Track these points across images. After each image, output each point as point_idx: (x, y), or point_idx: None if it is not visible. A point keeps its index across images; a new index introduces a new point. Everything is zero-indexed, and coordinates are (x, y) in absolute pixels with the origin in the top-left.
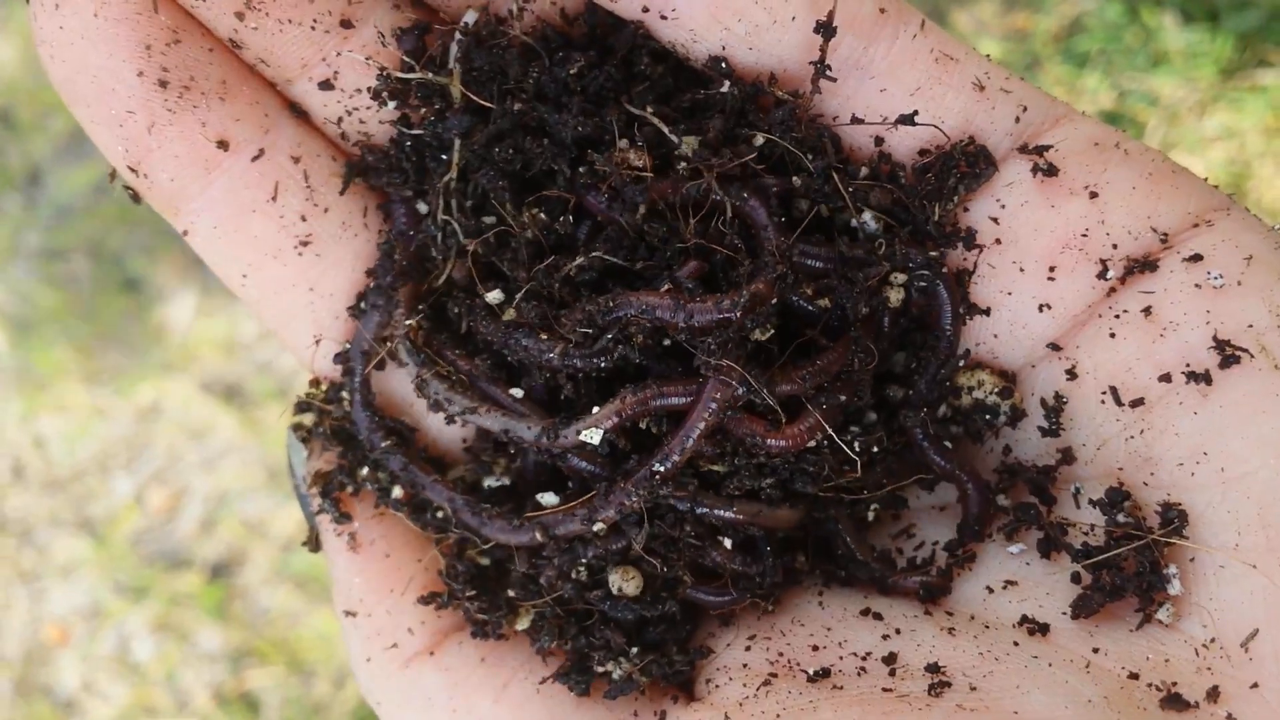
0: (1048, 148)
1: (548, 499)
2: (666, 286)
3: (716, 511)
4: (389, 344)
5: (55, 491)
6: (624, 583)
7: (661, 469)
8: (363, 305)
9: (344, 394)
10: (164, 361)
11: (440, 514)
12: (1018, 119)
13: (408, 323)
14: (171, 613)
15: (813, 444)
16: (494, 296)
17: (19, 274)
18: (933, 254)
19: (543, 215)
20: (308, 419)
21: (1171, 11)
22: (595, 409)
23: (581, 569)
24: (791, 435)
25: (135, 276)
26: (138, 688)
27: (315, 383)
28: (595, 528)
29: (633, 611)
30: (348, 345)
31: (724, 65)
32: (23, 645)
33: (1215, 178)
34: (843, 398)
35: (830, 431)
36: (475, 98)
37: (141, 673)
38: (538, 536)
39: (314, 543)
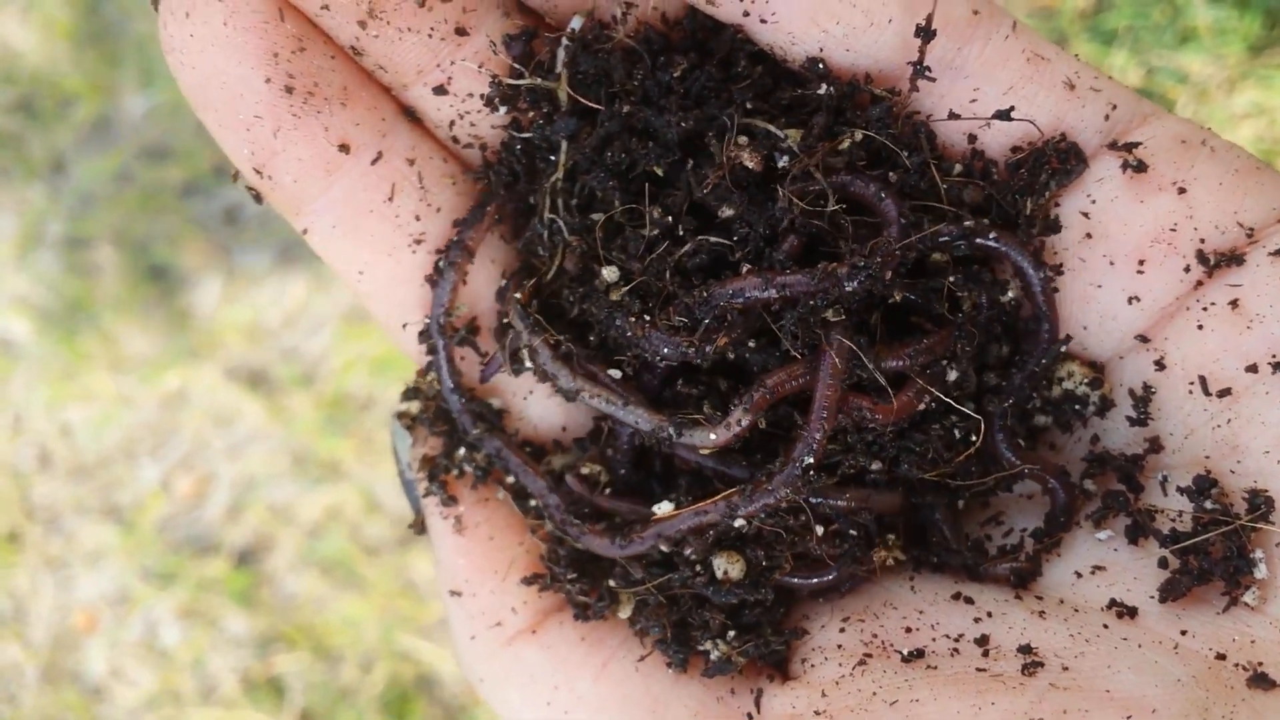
0: (1136, 144)
1: (664, 508)
2: (748, 267)
3: (830, 500)
4: (496, 310)
5: (82, 479)
6: (729, 565)
7: (810, 460)
8: (440, 265)
9: (432, 373)
10: (189, 348)
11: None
12: (1107, 117)
13: (518, 293)
14: (198, 599)
15: (921, 407)
16: (610, 273)
17: (44, 263)
18: (1034, 249)
19: (668, 218)
20: (414, 407)
21: None
22: (732, 412)
23: (691, 554)
24: (899, 405)
25: (160, 264)
26: (165, 673)
27: (422, 373)
28: (737, 523)
29: (736, 596)
30: (427, 319)
31: (821, 66)
32: (50, 632)
33: None
34: (951, 373)
35: (936, 393)
36: (582, 100)
37: (169, 658)
38: (662, 547)
39: (420, 526)
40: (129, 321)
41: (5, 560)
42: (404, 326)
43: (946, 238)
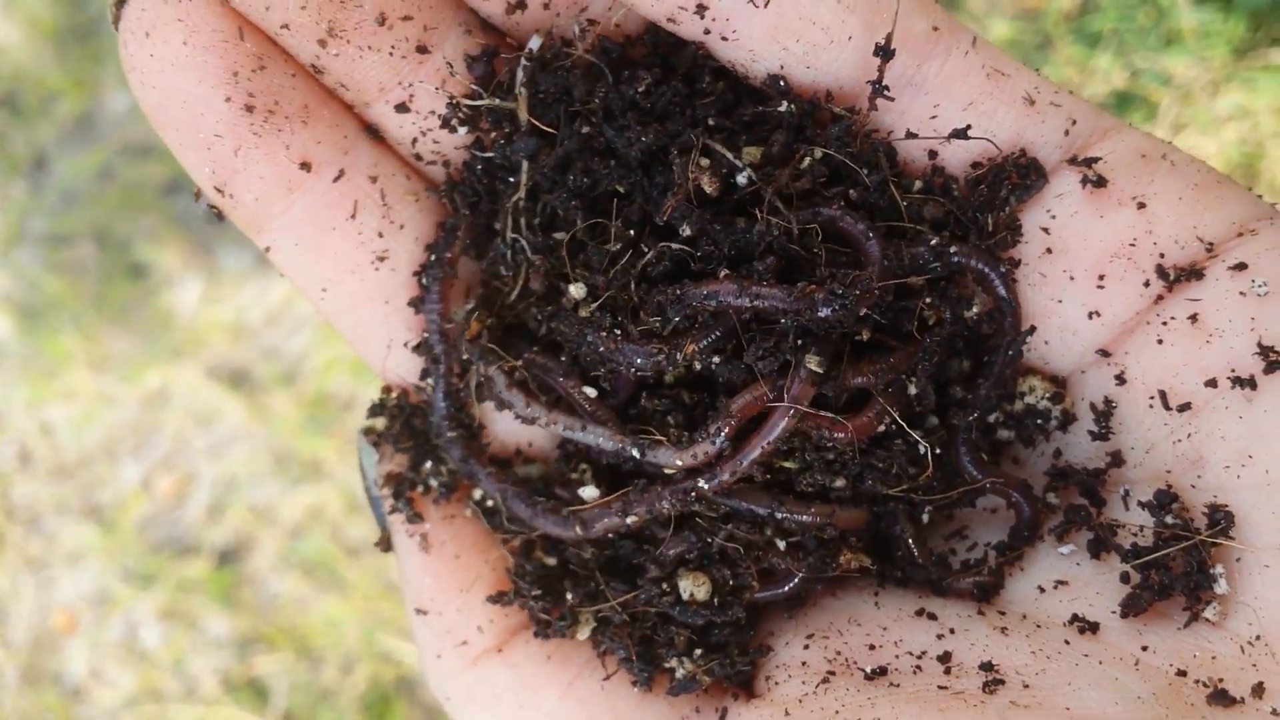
0: (1096, 160)
1: (588, 493)
2: (726, 273)
3: (795, 516)
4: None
5: (63, 478)
6: (695, 588)
7: (704, 487)
8: (424, 282)
9: (429, 379)
10: (171, 347)
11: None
12: (1067, 132)
13: (463, 312)
14: (179, 599)
15: (880, 429)
16: (576, 290)
17: (25, 260)
18: (999, 262)
19: (630, 231)
20: (379, 423)
21: None
22: (697, 441)
23: (655, 574)
24: (859, 425)
25: (141, 262)
26: (145, 674)
27: (387, 389)
28: (629, 520)
29: (702, 617)
30: (425, 335)
31: (782, 84)
32: (30, 632)
33: (1228, 158)
34: (911, 389)
35: (895, 416)
36: (539, 124)
37: (149, 659)
38: (577, 530)
39: (385, 543)
40: (110, 320)
41: None
42: (405, 345)
43: (922, 262)
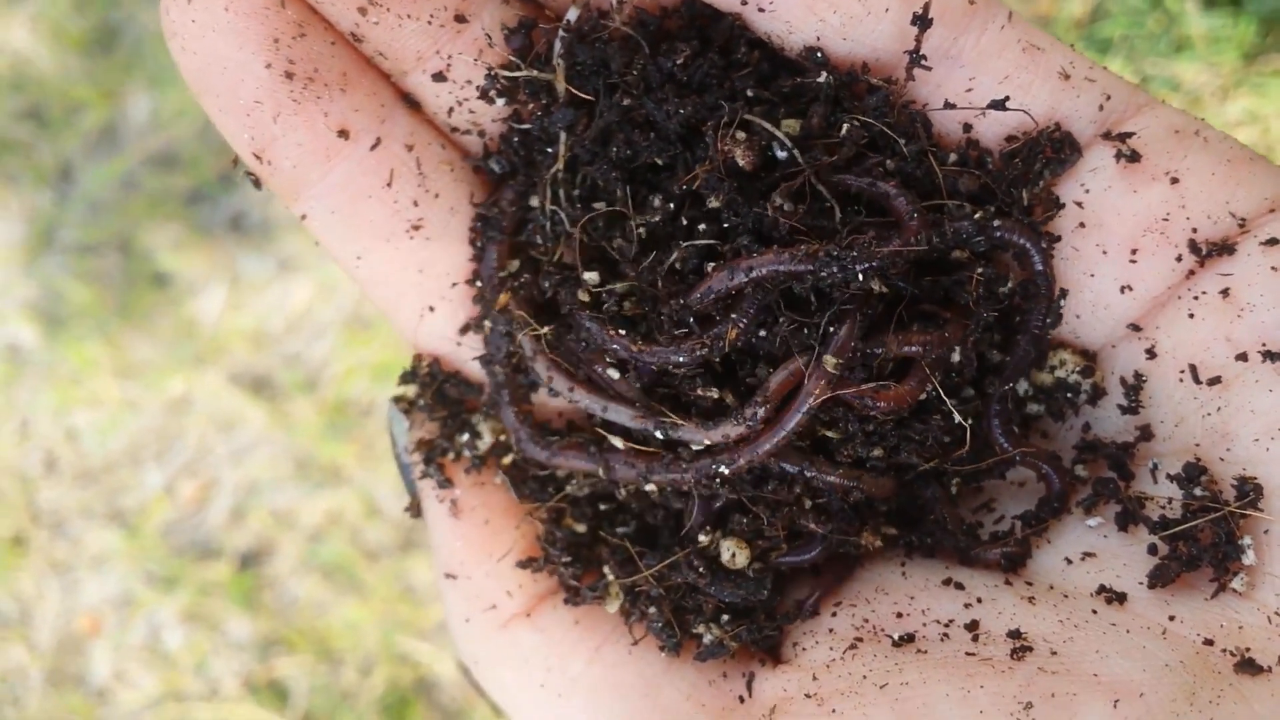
0: (1130, 134)
1: (616, 443)
2: (712, 265)
3: (824, 476)
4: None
5: (87, 484)
6: (737, 550)
7: (725, 470)
8: (478, 245)
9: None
10: (194, 354)
11: (536, 483)
12: (1101, 107)
13: (500, 295)
14: (201, 602)
15: (922, 397)
16: (590, 277)
17: (51, 269)
18: (1041, 237)
19: (670, 205)
20: (410, 390)
21: None
22: (726, 422)
23: (704, 540)
24: (900, 394)
25: (165, 270)
26: (168, 676)
27: (419, 358)
28: (646, 486)
29: (739, 586)
30: (477, 280)
31: (819, 55)
32: (55, 635)
33: None
34: (955, 357)
35: (937, 386)
36: (578, 93)
37: (172, 662)
38: (601, 472)
39: (415, 509)
40: (134, 327)
41: (11, 564)
42: (431, 309)
43: (965, 235)
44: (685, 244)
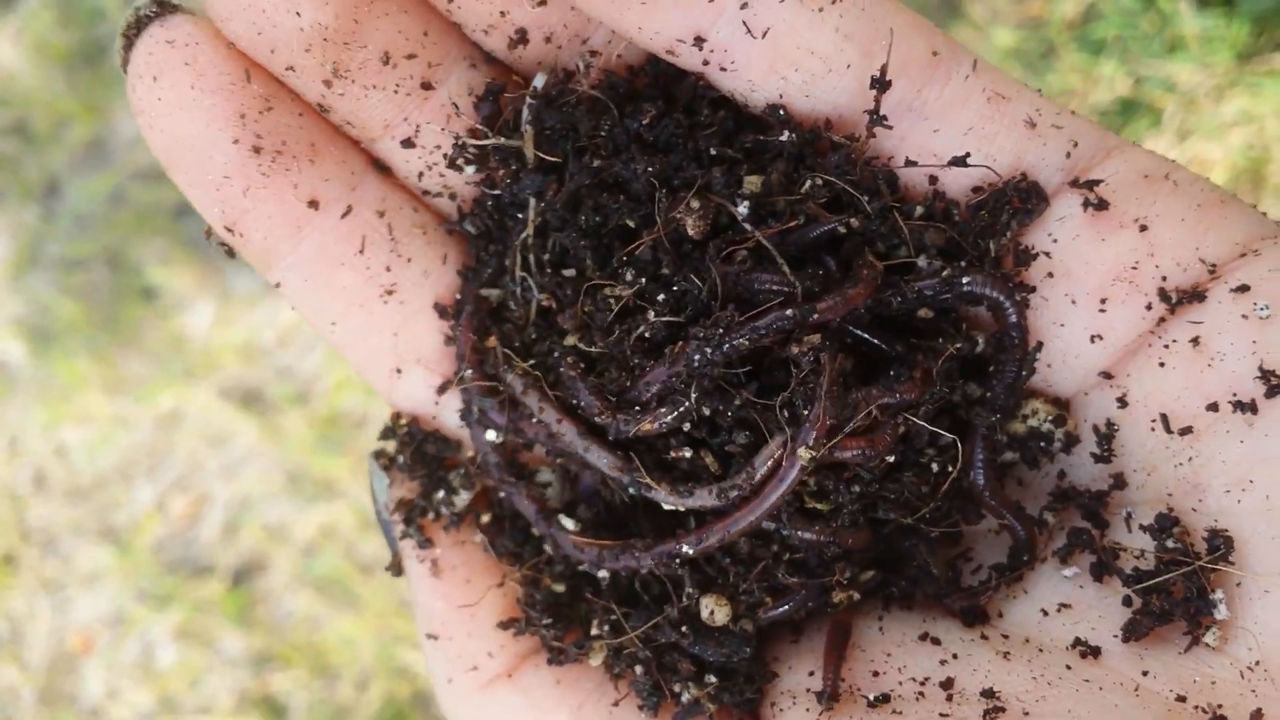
0: (1098, 182)
1: (566, 523)
2: (652, 363)
3: (799, 533)
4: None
5: (78, 501)
6: (716, 608)
7: (688, 551)
8: (454, 329)
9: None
10: (184, 369)
11: (512, 543)
12: (1068, 154)
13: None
14: (194, 619)
15: (891, 459)
16: (569, 341)
17: (39, 285)
18: (1014, 289)
19: (643, 278)
20: (390, 446)
21: None
22: (698, 492)
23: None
24: (878, 441)
25: (153, 285)
26: (162, 694)
27: (396, 416)
28: (599, 574)
29: (721, 644)
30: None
31: (782, 113)
32: (47, 654)
33: (1234, 163)
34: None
35: (920, 422)
36: (547, 158)
37: (165, 679)
38: (549, 549)
39: (396, 568)
40: (123, 343)
41: (2, 583)
42: (410, 371)
43: (931, 294)
44: (655, 319)
